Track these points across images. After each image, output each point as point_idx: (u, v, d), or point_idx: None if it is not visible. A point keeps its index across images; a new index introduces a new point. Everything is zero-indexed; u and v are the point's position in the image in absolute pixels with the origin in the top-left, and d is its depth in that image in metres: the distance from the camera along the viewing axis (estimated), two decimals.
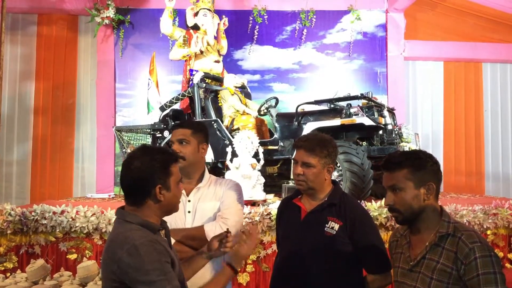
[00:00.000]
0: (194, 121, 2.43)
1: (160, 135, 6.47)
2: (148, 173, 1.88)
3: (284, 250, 2.51)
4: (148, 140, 6.77)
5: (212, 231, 2.40)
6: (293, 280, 2.36)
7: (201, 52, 6.74)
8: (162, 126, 6.46)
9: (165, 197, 1.91)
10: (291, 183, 5.42)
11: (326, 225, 2.33)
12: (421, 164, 1.98)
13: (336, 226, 2.31)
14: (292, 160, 5.56)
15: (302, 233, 2.38)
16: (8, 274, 4.02)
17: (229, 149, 5.37)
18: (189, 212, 2.53)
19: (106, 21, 8.32)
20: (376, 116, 5.45)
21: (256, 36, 8.75)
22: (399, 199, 1.99)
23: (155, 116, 6.88)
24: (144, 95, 7.77)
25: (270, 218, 4.42)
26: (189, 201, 2.54)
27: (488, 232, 4.75)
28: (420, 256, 1.97)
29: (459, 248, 1.86)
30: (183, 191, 2.49)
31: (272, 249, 4.39)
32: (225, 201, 2.55)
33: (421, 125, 9.12)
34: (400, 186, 1.98)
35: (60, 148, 8.65)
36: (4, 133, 8.38)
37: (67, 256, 4.51)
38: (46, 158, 8.53)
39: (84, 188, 8.59)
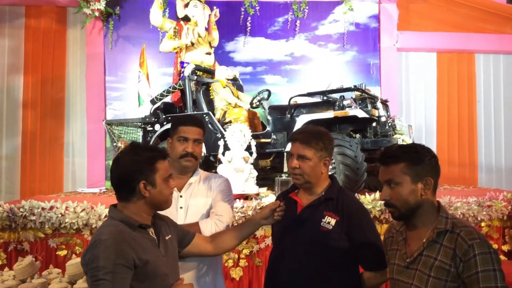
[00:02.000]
0: (201, 118, 2.50)
1: (151, 128, 6.38)
2: (131, 169, 1.92)
3: (279, 244, 2.46)
4: (139, 134, 6.68)
5: (208, 229, 2.40)
6: (288, 275, 2.31)
7: (192, 44, 6.63)
8: (153, 119, 6.37)
9: (150, 193, 1.94)
10: (284, 176, 5.36)
11: (323, 220, 2.29)
12: (419, 158, 1.92)
13: (333, 221, 2.27)
14: (285, 154, 5.51)
15: (298, 227, 2.34)
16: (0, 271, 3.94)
17: (221, 143, 5.30)
18: (181, 208, 2.51)
19: (96, 13, 8.17)
20: (369, 108, 5.39)
21: (248, 28, 8.65)
22: (395, 194, 1.93)
23: (146, 109, 6.78)
24: (135, 88, 7.66)
25: None
26: (180, 196, 2.52)
27: (483, 224, 4.74)
28: (417, 252, 1.91)
29: (458, 244, 1.81)
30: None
31: (265, 243, 4.34)
32: (216, 198, 2.55)
33: (414, 117, 9.07)
34: (397, 180, 1.92)
35: (50, 143, 8.52)
36: None
37: (56, 253, 4.45)
38: (36, 152, 8.40)
39: (75, 182, 8.48)
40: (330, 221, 2.27)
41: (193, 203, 2.52)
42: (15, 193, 8.21)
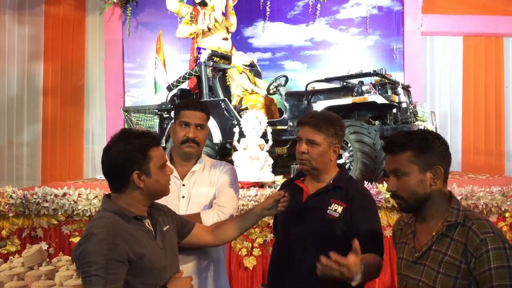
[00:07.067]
0: (204, 102, 2.47)
1: (168, 115, 6.34)
2: (123, 159, 1.80)
3: (283, 234, 2.36)
4: (156, 121, 6.65)
5: (209, 219, 2.31)
6: (293, 266, 2.21)
7: (209, 29, 6.53)
8: (169, 106, 6.32)
9: (145, 183, 1.83)
10: None
11: (329, 208, 2.18)
12: (427, 145, 1.77)
13: (340, 208, 2.17)
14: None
15: (303, 215, 2.24)
16: (11, 257, 3.95)
17: (236, 130, 5.22)
18: (183, 197, 2.42)
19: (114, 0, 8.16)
20: (389, 94, 5.23)
21: (268, 13, 8.49)
22: (402, 184, 1.79)
23: (163, 96, 6.74)
24: (153, 74, 7.63)
25: None
26: (183, 185, 2.43)
27: (507, 214, 4.52)
28: (426, 247, 1.77)
29: (469, 239, 1.66)
30: (177, 175, 2.41)
31: None
32: (220, 188, 2.45)
33: (439, 103, 8.85)
34: (404, 170, 1.77)
35: (70, 129, 8.64)
36: (14, 114, 8.40)
37: (70, 240, 4.43)
38: (56, 139, 8.53)
39: (94, 169, 8.56)
40: (337, 209, 2.17)
41: (195, 193, 2.42)
42: (36, 179, 8.35)
